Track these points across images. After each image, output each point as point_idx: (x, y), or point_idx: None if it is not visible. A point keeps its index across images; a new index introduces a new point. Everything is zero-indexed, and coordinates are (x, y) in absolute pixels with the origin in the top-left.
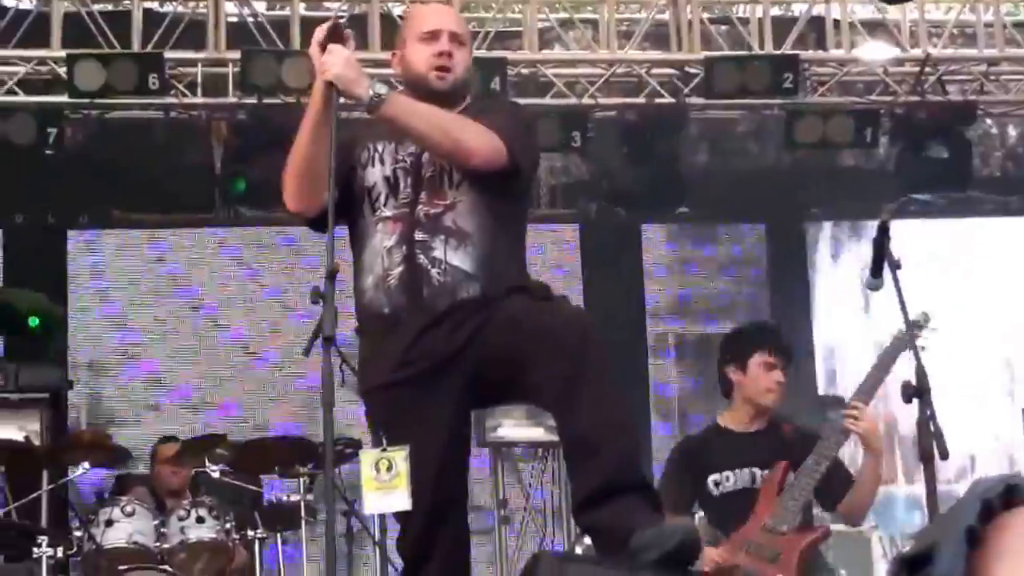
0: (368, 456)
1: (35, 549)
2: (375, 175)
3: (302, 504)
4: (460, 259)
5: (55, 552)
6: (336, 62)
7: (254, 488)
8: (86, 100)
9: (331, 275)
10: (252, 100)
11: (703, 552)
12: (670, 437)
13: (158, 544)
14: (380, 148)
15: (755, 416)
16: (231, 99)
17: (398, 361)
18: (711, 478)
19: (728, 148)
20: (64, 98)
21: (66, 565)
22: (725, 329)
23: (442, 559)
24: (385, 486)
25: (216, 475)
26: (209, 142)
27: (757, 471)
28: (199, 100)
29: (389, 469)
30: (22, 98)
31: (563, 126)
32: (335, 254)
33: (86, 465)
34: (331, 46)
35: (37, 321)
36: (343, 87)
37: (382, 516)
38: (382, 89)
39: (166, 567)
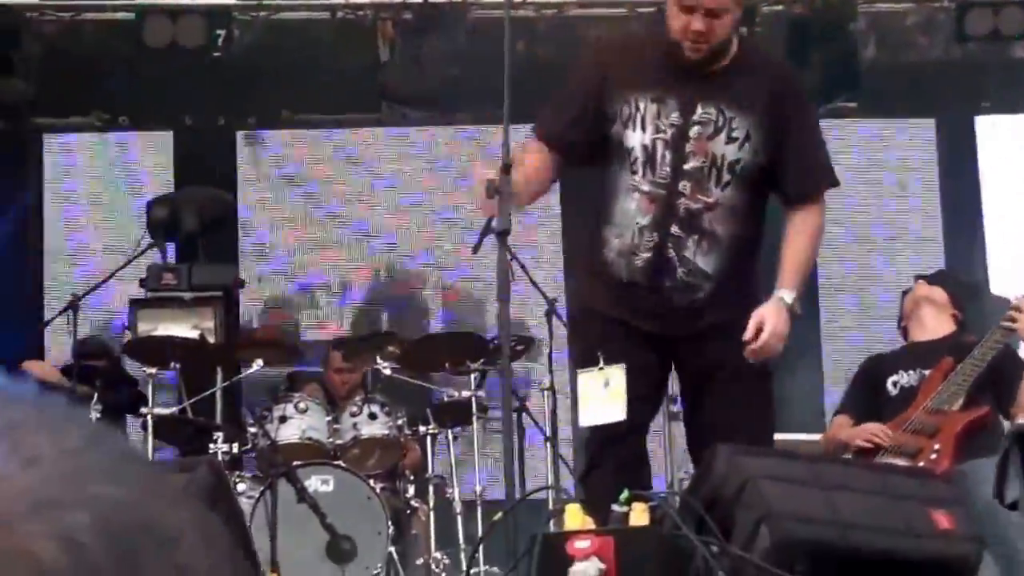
0: (586, 373)
1: (211, 445)
2: (634, 139)
3: (473, 400)
4: (707, 263)
5: (230, 448)
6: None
7: (425, 385)
8: (254, 2)
9: (506, 169)
10: None
11: (864, 427)
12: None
13: (331, 440)
14: (642, 108)
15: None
16: None
17: (627, 309)
18: (889, 379)
19: (897, 42)
20: (232, 0)
21: (240, 460)
22: (894, 230)
23: (619, 467)
24: (602, 399)
25: (387, 373)
26: (375, 42)
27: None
28: (365, 0)
29: (606, 384)
30: (191, 0)
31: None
32: (510, 149)
33: (259, 362)
34: None
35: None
36: None
37: (552, 413)
38: (791, 301)
39: (339, 463)
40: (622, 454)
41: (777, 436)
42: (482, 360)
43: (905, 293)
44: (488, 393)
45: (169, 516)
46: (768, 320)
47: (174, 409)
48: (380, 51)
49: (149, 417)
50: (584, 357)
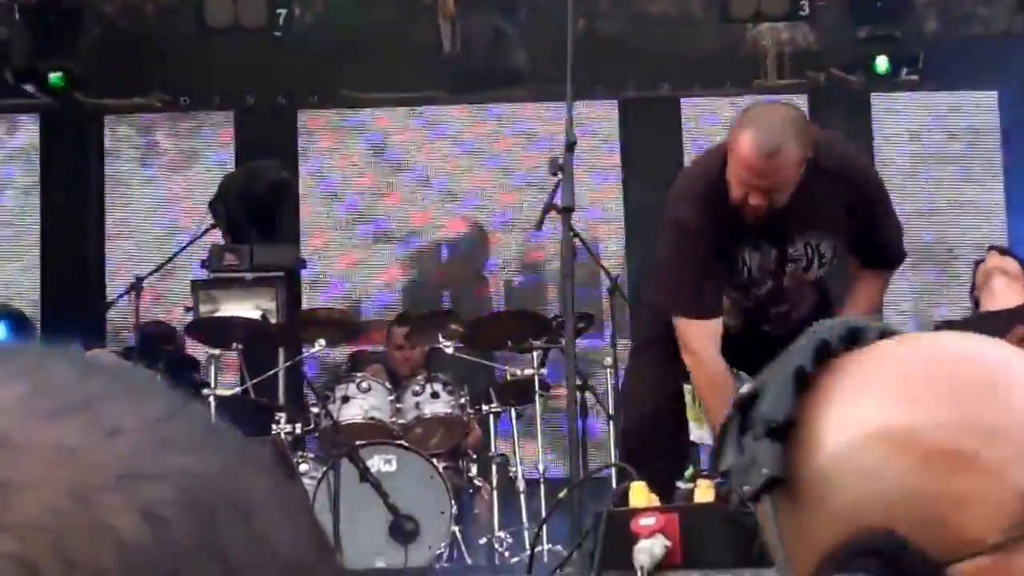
0: (689, 387)
1: (273, 425)
2: (746, 258)
3: (536, 378)
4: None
5: (292, 428)
6: None
7: (488, 363)
8: None
9: (570, 147)
10: None
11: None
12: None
13: (393, 420)
14: (747, 257)
15: None
16: None
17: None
18: None
19: (959, 13)
20: None
21: (303, 440)
22: (954, 202)
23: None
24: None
25: (450, 351)
26: (436, 19)
27: None
28: None
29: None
30: None
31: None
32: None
33: (322, 342)
34: None
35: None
36: None
37: (616, 391)
38: None
39: (402, 442)
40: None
41: None
42: (545, 338)
43: (978, 264)
44: (550, 371)
45: (251, 486)
46: None
47: (237, 390)
48: (441, 28)
49: (212, 397)
50: (655, 347)
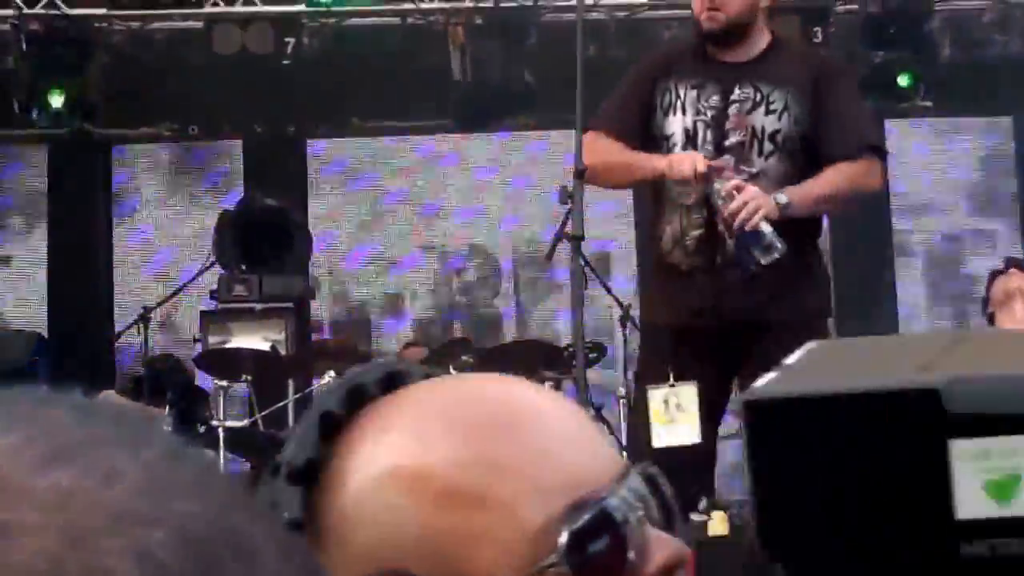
0: (657, 392)
1: None
2: (674, 124)
3: None
4: None
5: None
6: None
7: None
8: (323, 8)
9: (579, 174)
10: (488, 3)
11: None
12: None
13: None
14: (682, 94)
15: None
16: (467, 3)
17: (692, 312)
18: None
19: (972, 40)
20: (302, 7)
21: None
22: (972, 228)
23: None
24: (673, 420)
25: None
26: (446, 48)
27: None
28: (435, 5)
29: (678, 405)
30: (260, 8)
31: (804, 21)
32: (582, 155)
33: (332, 374)
34: None
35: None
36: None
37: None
38: (783, 199)
39: None
40: (690, 483)
41: None
42: (556, 368)
43: (994, 275)
44: None
45: (248, 531)
46: (749, 190)
47: (246, 422)
48: (451, 56)
49: (220, 430)
50: (652, 373)
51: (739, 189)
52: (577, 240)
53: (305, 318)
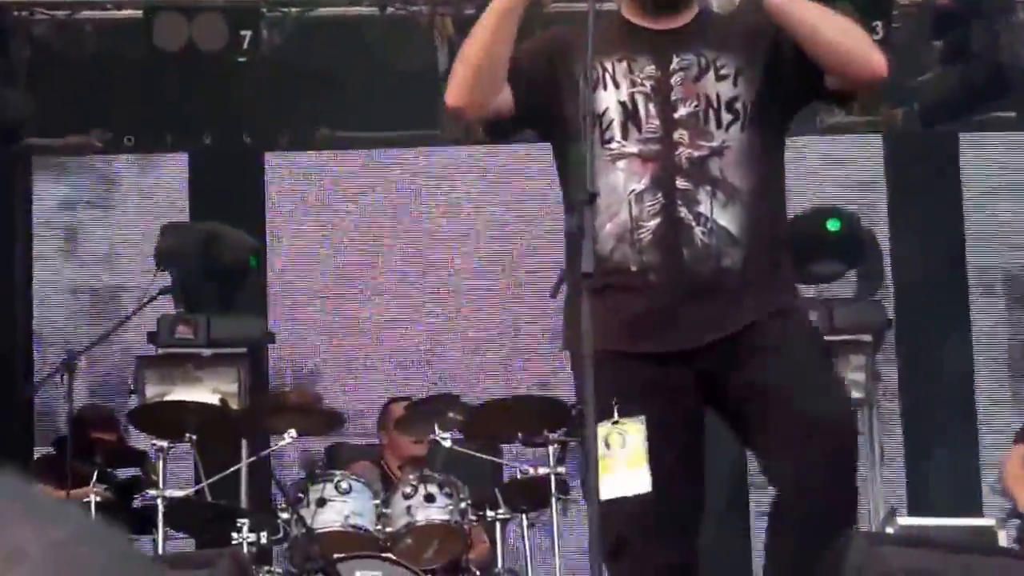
0: (601, 428)
1: (234, 534)
2: (606, 99)
3: (552, 478)
4: (727, 219)
5: (257, 537)
6: None
7: (494, 460)
8: None
9: (591, 200)
10: None
11: None
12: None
13: (380, 527)
14: (610, 68)
15: None
16: None
17: (641, 332)
18: None
19: None
20: None
21: (270, 552)
22: None
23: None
24: (619, 464)
25: (447, 444)
26: (432, 42)
27: None
28: None
29: (623, 444)
30: None
31: (863, 14)
32: (594, 176)
33: (293, 433)
34: None
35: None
36: None
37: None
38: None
39: (389, 555)
40: (653, 549)
41: (925, 520)
42: (562, 429)
43: None
44: (571, 468)
45: None
46: None
47: (190, 490)
48: (438, 53)
49: (160, 500)
50: (596, 408)
51: None
52: (587, 278)
53: (261, 365)
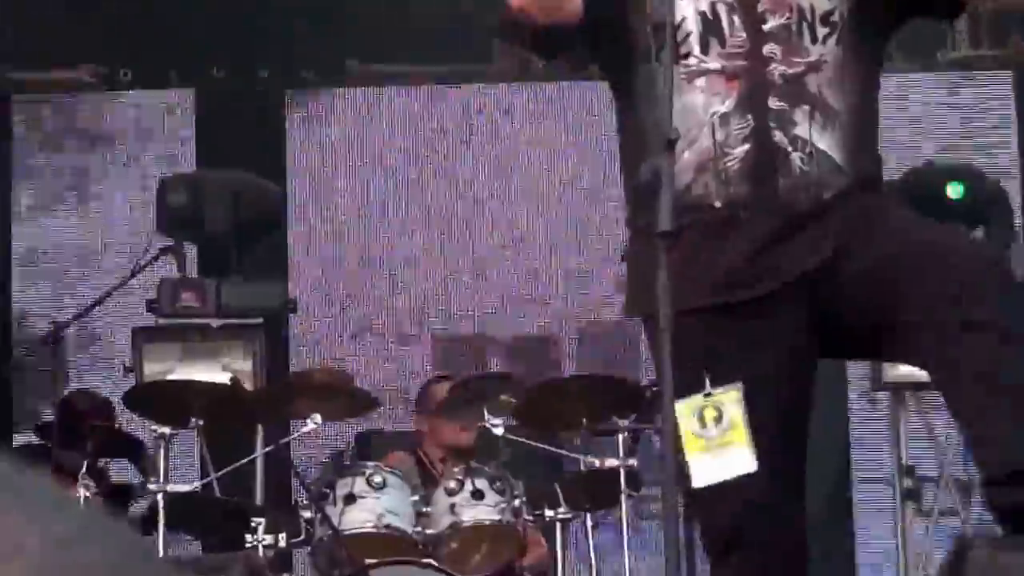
0: (688, 405)
1: (248, 536)
2: (683, 8)
3: (622, 472)
4: (828, 143)
5: (276, 540)
6: None
7: (552, 449)
8: None
9: (670, 144)
10: None
11: None
12: None
13: (419, 529)
14: None
15: None
16: None
17: (735, 277)
18: None
19: None
20: None
21: (290, 558)
22: None
23: (762, 555)
24: (716, 443)
25: (499, 431)
26: None
27: None
28: None
29: (719, 420)
30: None
31: None
32: (671, 116)
33: (317, 418)
34: None
35: None
36: None
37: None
38: None
39: (431, 560)
40: (768, 531)
41: None
42: (634, 415)
43: None
44: (642, 461)
45: None
46: None
47: (196, 485)
48: None
49: (160, 496)
50: (682, 382)
51: None
52: (667, 239)
53: (280, 339)
